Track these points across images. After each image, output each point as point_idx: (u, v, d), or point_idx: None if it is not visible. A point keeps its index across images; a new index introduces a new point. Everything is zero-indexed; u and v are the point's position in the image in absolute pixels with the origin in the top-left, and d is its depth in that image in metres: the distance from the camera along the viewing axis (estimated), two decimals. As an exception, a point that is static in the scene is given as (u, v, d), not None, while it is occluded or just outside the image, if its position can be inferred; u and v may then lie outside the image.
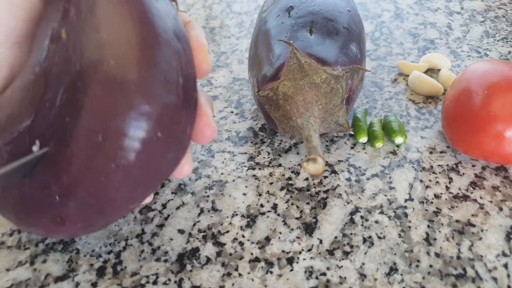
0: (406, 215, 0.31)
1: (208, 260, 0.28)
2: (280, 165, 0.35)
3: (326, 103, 0.32)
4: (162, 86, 0.21)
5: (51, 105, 0.21)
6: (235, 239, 0.29)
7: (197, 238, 0.30)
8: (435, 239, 0.29)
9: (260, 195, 0.32)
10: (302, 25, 0.34)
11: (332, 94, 0.32)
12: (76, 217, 0.22)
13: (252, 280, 0.27)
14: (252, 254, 0.29)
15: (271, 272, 0.28)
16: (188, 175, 0.30)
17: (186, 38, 0.23)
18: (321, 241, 0.29)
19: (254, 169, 0.34)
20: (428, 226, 0.30)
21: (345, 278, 0.27)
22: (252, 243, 0.29)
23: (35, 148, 0.21)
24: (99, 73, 0.20)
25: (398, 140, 0.35)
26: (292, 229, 0.30)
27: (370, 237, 0.30)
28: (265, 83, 0.32)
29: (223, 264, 0.28)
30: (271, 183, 0.33)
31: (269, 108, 0.33)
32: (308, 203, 0.32)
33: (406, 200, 0.32)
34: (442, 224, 0.30)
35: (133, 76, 0.20)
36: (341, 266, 0.28)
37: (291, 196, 0.32)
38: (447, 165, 0.35)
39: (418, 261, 0.28)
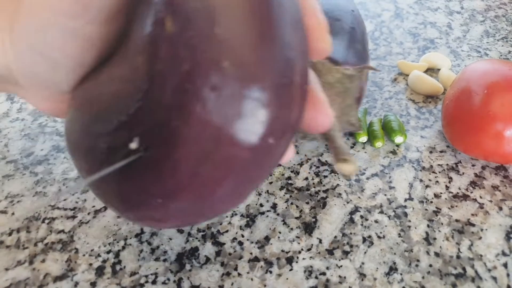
0: (406, 214, 0.31)
1: (208, 259, 0.28)
2: (279, 164, 0.35)
3: (340, 103, 0.32)
4: (277, 91, 0.19)
5: (155, 104, 0.19)
6: (235, 238, 0.29)
7: (196, 238, 0.29)
8: (434, 238, 0.29)
9: (259, 194, 0.32)
10: None
11: (346, 94, 0.32)
12: (176, 218, 0.21)
13: (252, 279, 0.27)
14: (251, 253, 0.29)
15: (271, 272, 0.28)
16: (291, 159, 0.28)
17: (301, 20, 0.21)
18: (320, 241, 0.29)
19: (253, 168, 0.34)
20: (428, 226, 0.30)
21: (344, 277, 0.27)
22: (252, 242, 0.29)
23: (133, 145, 0.20)
24: (212, 76, 0.18)
25: (398, 139, 0.35)
26: (291, 229, 0.30)
27: (369, 236, 0.29)
28: None
29: (222, 264, 0.28)
30: (271, 183, 0.33)
31: None
32: (307, 203, 0.32)
33: (406, 200, 0.32)
34: (442, 224, 0.30)
35: (248, 81, 0.18)
36: (341, 266, 0.28)
37: (290, 196, 0.32)
38: (447, 164, 0.34)
39: (418, 260, 0.28)
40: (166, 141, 0.19)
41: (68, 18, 0.20)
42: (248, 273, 0.28)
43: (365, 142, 0.36)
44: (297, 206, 0.31)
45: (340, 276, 0.27)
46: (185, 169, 0.19)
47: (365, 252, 0.29)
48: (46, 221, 0.31)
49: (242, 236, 0.30)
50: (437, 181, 0.33)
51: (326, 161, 0.35)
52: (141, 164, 0.20)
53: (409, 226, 0.30)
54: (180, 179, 0.19)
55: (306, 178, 0.33)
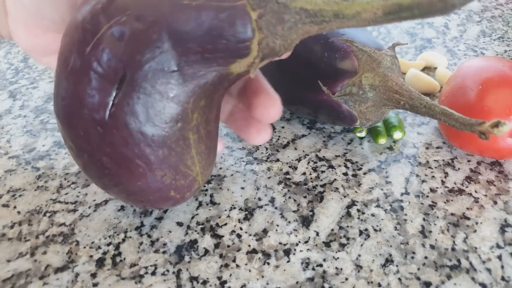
0: (402, 208, 0.31)
1: (206, 251, 0.29)
2: (278, 160, 0.35)
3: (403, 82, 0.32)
4: None
5: None
6: (233, 231, 0.30)
7: (196, 231, 0.30)
8: (430, 231, 0.30)
9: (258, 189, 0.33)
10: None
11: (399, 74, 0.32)
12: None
13: (250, 271, 0.28)
14: (249, 246, 0.29)
15: (268, 264, 0.28)
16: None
17: None
18: (317, 233, 0.30)
19: (252, 164, 0.35)
20: (424, 219, 0.30)
21: (341, 269, 0.28)
22: (250, 235, 0.30)
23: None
24: None
25: (397, 135, 0.36)
26: (289, 222, 0.30)
27: (366, 229, 0.30)
28: (339, 81, 0.32)
29: (221, 256, 0.28)
30: (269, 178, 0.34)
31: (352, 104, 0.32)
32: (305, 197, 0.32)
33: (402, 194, 0.32)
34: (438, 217, 0.31)
35: None
36: (338, 258, 0.28)
37: (288, 190, 0.33)
38: (443, 160, 0.35)
39: (414, 252, 0.29)
40: None
41: None
42: (246, 264, 0.28)
43: (362, 138, 0.37)
44: (294, 200, 0.32)
45: (337, 268, 0.28)
46: None
47: (361, 245, 0.29)
48: (48, 214, 0.31)
49: (241, 229, 0.30)
50: (433, 176, 0.34)
51: (323, 156, 0.35)
52: None
53: (405, 220, 0.30)
54: None
55: (304, 173, 0.34)
